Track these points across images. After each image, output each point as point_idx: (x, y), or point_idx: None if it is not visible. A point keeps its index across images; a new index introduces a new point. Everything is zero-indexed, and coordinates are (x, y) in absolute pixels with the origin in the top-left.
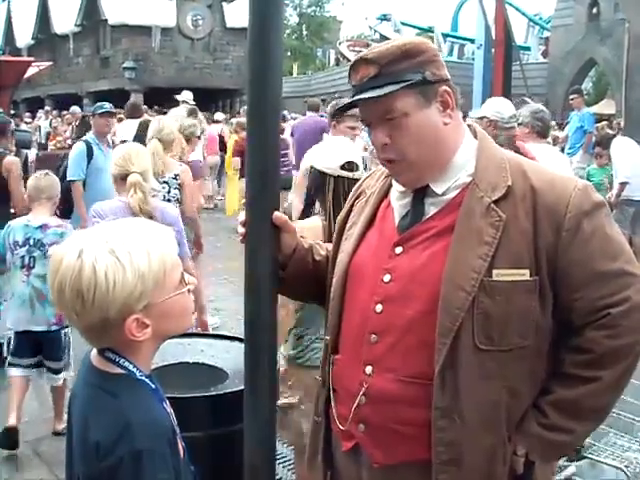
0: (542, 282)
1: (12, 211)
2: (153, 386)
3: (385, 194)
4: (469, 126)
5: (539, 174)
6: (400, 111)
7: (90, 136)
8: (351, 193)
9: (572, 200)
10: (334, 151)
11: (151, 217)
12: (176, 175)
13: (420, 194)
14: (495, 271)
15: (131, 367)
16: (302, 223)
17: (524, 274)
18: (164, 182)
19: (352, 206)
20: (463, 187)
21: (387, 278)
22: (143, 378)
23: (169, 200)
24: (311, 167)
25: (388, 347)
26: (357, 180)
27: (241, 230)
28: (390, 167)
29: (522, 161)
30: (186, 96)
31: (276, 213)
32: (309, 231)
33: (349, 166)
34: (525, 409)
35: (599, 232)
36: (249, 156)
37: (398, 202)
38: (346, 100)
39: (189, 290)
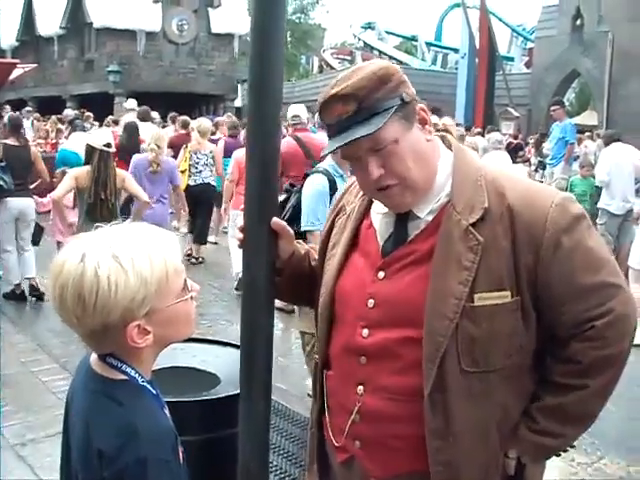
0: (524, 302)
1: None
2: (154, 392)
3: (365, 211)
4: (443, 137)
5: (516, 191)
6: (389, 140)
7: (330, 163)
8: (330, 209)
9: (549, 218)
10: (100, 136)
11: (158, 164)
12: (211, 151)
13: (402, 217)
14: (476, 295)
15: (133, 373)
16: (79, 169)
17: (505, 296)
18: (204, 154)
19: (333, 222)
20: (441, 208)
21: (371, 303)
22: (145, 384)
23: (206, 164)
24: (87, 144)
25: (377, 369)
26: (110, 153)
27: (239, 235)
28: (384, 194)
29: (499, 176)
30: (131, 104)
31: (274, 219)
32: (82, 173)
33: (107, 145)
34: (516, 420)
35: (580, 246)
36: (248, 162)
37: (380, 223)
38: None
39: (192, 297)
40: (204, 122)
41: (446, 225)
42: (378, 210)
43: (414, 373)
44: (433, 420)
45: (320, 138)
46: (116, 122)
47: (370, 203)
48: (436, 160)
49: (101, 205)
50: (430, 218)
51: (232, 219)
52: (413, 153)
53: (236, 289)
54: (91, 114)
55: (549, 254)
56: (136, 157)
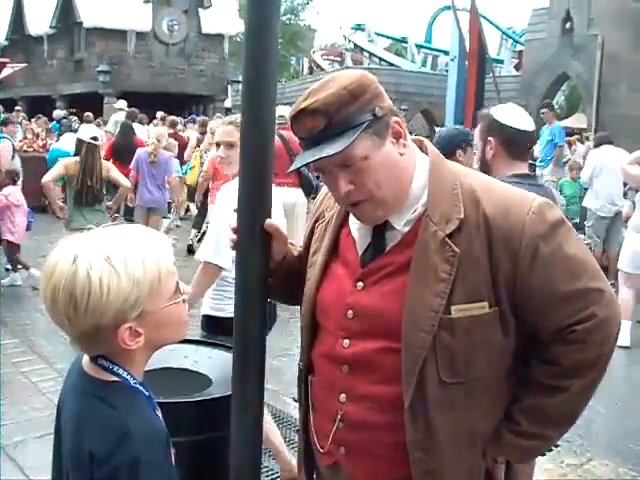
0: (502, 312)
1: None
2: (147, 394)
3: (344, 218)
4: (420, 142)
5: (492, 200)
6: (359, 157)
7: None
8: (310, 214)
9: (526, 226)
10: (87, 130)
11: (156, 155)
12: None
13: (379, 227)
14: (453, 307)
15: (125, 375)
16: (69, 158)
17: (483, 307)
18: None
19: (313, 229)
20: (418, 218)
21: (350, 314)
22: (137, 386)
23: None
24: (76, 138)
25: (359, 378)
26: (97, 146)
27: (232, 237)
28: (355, 210)
29: (475, 183)
30: (121, 104)
31: (268, 221)
32: (71, 163)
33: (93, 138)
34: (497, 423)
35: (558, 253)
36: (242, 163)
37: (359, 232)
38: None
39: (184, 300)
40: (212, 123)
41: (422, 236)
42: (355, 220)
43: (395, 383)
44: (414, 431)
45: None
46: (90, 122)
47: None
48: (411, 172)
49: (87, 191)
50: (407, 229)
51: (210, 214)
52: (384, 169)
53: None
54: (90, 114)
55: (527, 262)
56: (139, 150)
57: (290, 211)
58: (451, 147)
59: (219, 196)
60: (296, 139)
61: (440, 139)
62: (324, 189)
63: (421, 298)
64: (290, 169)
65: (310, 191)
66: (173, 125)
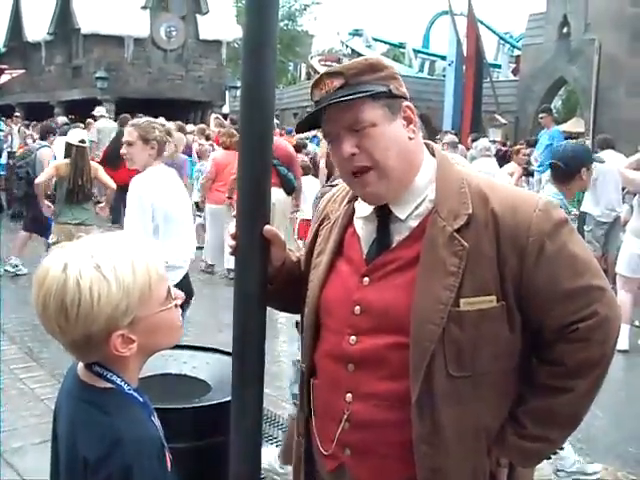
0: (509, 306)
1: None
2: (141, 400)
3: (349, 219)
4: (427, 145)
5: (500, 197)
6: (368, 121)
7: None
8: (314, 218)
9: (533, 223)
10: (75, 134)
11: (172, 159)
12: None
13: (384, 221)
14: (462, 300)
15: (119, 381)
16: (60, 161)
17: (491, 300)
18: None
19: (317, 232)
20: (425, 215)
21: (357, 310)
22: (132, 392)
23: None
24: (65, 142)
25: (365, 376)
26: (85, 148)
27: (231, 243)
28: (359, 182)
29: (482, 183)
30: (100, 110)
31: (266, 227)
32: (62, 165)
33: (81, 141)
34: (503, 420)
35: (563, 251)
36: (240, 169)
37: (363, 229)
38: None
39: (176, 305)
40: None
41: (430, 231)
42: (360, 214)
43: (402, 379)
44: (421, 426)
45: (283, 141)
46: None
47: (354, 211)
48: (418, 160)
49: (79, 190)
50: (414, 224)
51: (208, 213)
52: (391, 142)
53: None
54: (92, 120)
55: (533, 259)
56: None
57: (271, 210)
58: (576, 164)
59: (130, 187)
60: (279, 144)
61: (564, 155)
62: (327, 195)
63: (430, 291)
64: (304, 118)
65: (291, 191)
66: (182, 130)
